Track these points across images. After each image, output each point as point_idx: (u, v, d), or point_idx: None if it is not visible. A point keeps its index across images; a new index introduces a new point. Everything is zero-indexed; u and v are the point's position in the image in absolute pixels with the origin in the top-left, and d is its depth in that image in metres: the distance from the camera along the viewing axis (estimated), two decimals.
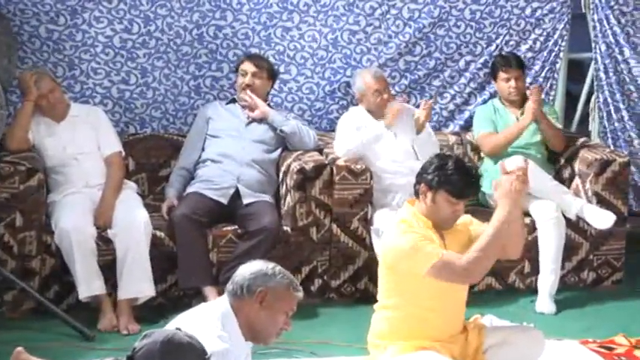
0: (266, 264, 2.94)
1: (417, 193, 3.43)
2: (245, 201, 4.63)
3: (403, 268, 3.32)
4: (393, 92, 5.09)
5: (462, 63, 5.42)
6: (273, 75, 4.95)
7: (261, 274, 2.89)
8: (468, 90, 5.46)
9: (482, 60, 5.42)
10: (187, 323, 2.71)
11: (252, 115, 4.83)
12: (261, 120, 4.84)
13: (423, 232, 3.34)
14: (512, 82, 5.07)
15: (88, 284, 4.29)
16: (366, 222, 4.69)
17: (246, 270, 2.92)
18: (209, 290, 4.35)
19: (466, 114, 5.44)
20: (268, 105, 4.93)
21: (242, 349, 2.88)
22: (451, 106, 5.47)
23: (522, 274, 4.85)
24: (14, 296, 4.34)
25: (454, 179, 3.34)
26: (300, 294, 2.95)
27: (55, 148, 4.58)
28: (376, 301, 3.54)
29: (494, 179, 4.76)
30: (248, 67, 4.85)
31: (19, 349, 3.66)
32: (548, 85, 5.50)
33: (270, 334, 2.92)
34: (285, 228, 4.62)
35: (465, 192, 3.39)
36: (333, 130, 5.12)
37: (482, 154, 5.16)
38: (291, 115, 4.98)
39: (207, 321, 2.80)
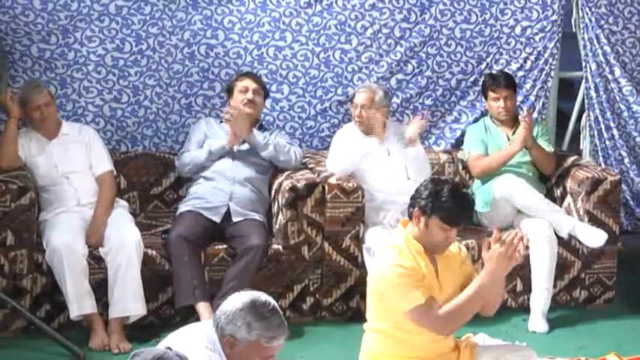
0: (244, 310, 2.77)
1: (410, 217, 3.43)
2: (234, 219, 4.63)
3: (388, 297, 3.34)
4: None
5: (453, 81, 5.44)
6: (267, 94, 4.96)
7: (232, 322, 2.77)
8: (458, 108, 5.48)
9: (472, 78, 5.44)
10: (178, 343, 2.70)
11: (229, 142, 4.77)
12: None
13: (414, 266, 3.33)
14: (502, 103, 5.07)
15: (80, 303, 4.28)
16: (358, 240, 4.69)
17: (225, 309, 2.81)
18: (203, 307, 4.34)
19: (457, 132, 5.45)
20: (260, 124, 4.93)
21: None
22: (442, 124, 5.48)
23: (515, 293, 4.84)
24: (5, 315, 4.32)
25: (448, 206, 3.34)
26: (276, 343, 2.80)
27: (46, 166, 4.57)
28: (367, 319, 3.54)
29: (482, 198, 4.83)
30: (249, 83, 4.84)
31: None
32: (540, 103, 5.52)
33: None
34: (276, 246, 4.61)
35: (459, 219, 3.39)
36: (325, 149, 5.13)
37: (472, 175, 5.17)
38: (275, 134, 4.95)
39: (197, 342, 2.79)
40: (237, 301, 2.82)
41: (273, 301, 2.86)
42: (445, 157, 5.28)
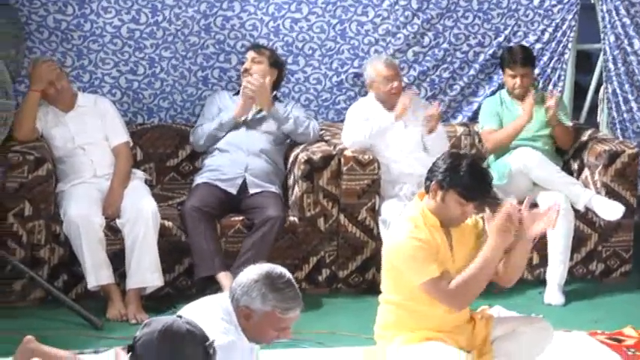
0: (260, 281, 2.79)
1: (427, 190, 3.42)
2: (251, 191, 4.64)
3: (402, 270, 3.34)
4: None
5: (470, 54, 5.41)
6: (277, 64, 4.92)
7: (247, 294, 2.79)
8: (476, 81, 5.45)
9: (490, 51, 5.40)
10: (194, 314, 2.71)
11: (237, 114, 4.76)
12: (260, 111, 4.82)
13: (429, 239, 3.33)
14: (518, 80, 5.04)
15: (97, 273, 4.31)
16: (374, 212, 4.69)
17: (241, 280, 2.83)
18: (223, 276, 4.36)
19: (474, 105, 5.43)
20: (274, 96, 4.93)
21: (247, 342, 2.86)
22: (459, 97, 5.46)
23: (531, 266, 4.84)
24: (23, 285, 4.36)
25: (466, 181, 3.33)
26: (292, 314, 2.82)
27: (63, 138, 4.58)
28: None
29: (498, 171, 4.82)
30: (249, 53, 4.87)
31: (28, 337, 3.67)
32: (557, 76, 5.48)
33: (263, 342, 2.88)
34: (292, 218, 4.62)
35: (476, 194, 3.37)
36: (341, 121, 5.12)
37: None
38: (292, 106, 4.94)
39: (213, 314, 2.80)
40: (252, 272, 2.84)
41: (288, 274, 2.87)
42: (462, 129, 5.26)
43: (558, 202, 3.43)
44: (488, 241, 3.32)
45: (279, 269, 2.86)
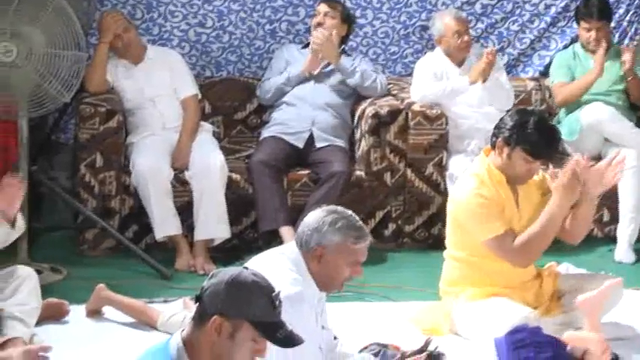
0: (327, 215, 2.83)
1: (493, 146, 3.38)
2: (317, 145, 4.64)
3: (467, 226, 3.32)
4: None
5: (541, 6, 5.28)
6: (347, 19, 4.89)
7: (317, 230, 2.81)
8: (547, 34, 5.32)
9: (562, 4, 5.27)
10: (261, 266, 2.73)
11: (305, 69, 4.74)
12: (327, 65, 4.80)
13: (494, 196, 3.29)
14: (593, 34, 4.92)
15: (164, 225, 4.37)
16: (441, 167, 4.66)
17: (308, 222, 2.86)
18: (286, 230, 4.39)
19: (546, 59, 5.30)
20: (342, 50, 4.90)
21: (315, 292, 2.89)
22: (529, 51, 5.34)
23: (601, 223, 4.76)
24: (95, 235, 4.46)
25: (533, 138, 3.28)
26: (362, 245, 2.84)
27: (133, 90, 4.63)
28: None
29: (569, 127, 4.73)
30: (321, 7, 4.82)
31: (101, 285, 3.78)
32: (633, 29, 5.32)
33: (335, 285, 2.89)
34: (358, 173, 4.62)
35: (543, 152, 3.33)
36: (408, 75, 5.07)
37: None
38: (359, 59, 4.89)
39: (280, 265, 2.82)
40: (317, 213, 2.87)
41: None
42: (532, 84, 5.17)
43: (624, 154, 3.34)
44: (552, 198, 3.28)
45: (341, 208, 2.89)
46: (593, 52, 4.96)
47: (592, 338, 3.02)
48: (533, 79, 5.26)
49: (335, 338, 3.07)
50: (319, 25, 4.79)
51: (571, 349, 3.00)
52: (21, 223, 3.56)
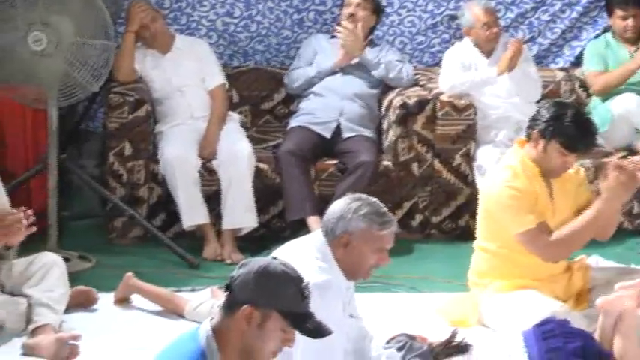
0: (352, 202, 2.84)
1: (528, 138, 3.35)
2: (345, 135, 4.64)
3: (499, 218, 3.30)
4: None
5: None
6: (377, 10, 4.88)
7: (343, 217, 2.82)
8: (578, 24, 5.27)
9: None
10: (287, 255, 2.74)
11: (337, 64, 4.74)
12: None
13: (527, 188, 3.27)
14: (630, 21, 4.87)
15: (192, 213, 4.39)
16: (469, 158, 4.64)
17: (333, 210, 2.86)
18: (313, 220, 4.40)
19: (577, 50, 5.25)
20: (370, 40, 4.88)
21: (343, 281, 2.89)
22: (560, 41, 5.29)
23: (630, 216, 4.72)
24: (123, 223, 4.48)
25: (570, 131, 3.25)
26: (388, 231, 2.83)
27: (161, 79, 4.65)
28: (476, 238, 3.52)
29: (599, 118, 4.69)
30: None
31: (129, 274, 3.81)
32: None
33: (362, 273, 2.88)
34: (386, 163, 4.61)
35: (580, 146, 3.29)
36: (435, 65, 5.04)
37: (590, 92, 5.01)
38: (386, 50, 4.87)
39: (307, 254, 2.83)
40: (342, 201, 2.88)
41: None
42: (561, 75, 5.12)
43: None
44: (601, 197, 3.23)
45: (365, 195, 2.89)
46: (627, 40, 4.91)
47: (625, 295, 2.96)
48: (562, 69, 5.21)
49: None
50: (351, 16, 4.78)
51: (604, 312, 2.92)
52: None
